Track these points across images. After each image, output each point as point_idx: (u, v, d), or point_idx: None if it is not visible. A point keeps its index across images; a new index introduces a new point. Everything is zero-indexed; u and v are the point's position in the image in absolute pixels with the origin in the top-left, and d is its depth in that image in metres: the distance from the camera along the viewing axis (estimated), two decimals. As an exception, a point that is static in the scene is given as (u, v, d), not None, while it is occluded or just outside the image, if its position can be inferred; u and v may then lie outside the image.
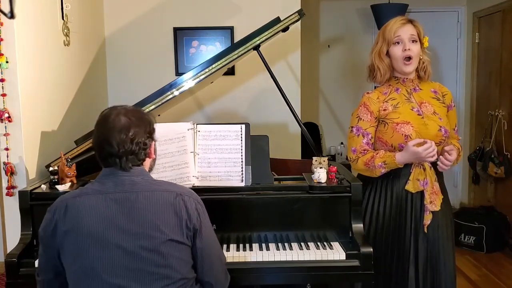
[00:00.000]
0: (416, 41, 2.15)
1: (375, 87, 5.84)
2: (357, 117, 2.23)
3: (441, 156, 2.10)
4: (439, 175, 2.21)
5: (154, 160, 1.73)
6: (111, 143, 1.55)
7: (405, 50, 2.13)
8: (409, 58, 2.14)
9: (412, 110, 2.15)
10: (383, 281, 2.21)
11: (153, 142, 1.67)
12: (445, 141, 2.19)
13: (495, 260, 3.98)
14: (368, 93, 2.25)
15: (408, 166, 2.15)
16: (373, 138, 2.22)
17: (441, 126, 2.14)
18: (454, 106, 2.26)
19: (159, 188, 1.59)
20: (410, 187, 2.15)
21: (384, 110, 2.17)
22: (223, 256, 1.75)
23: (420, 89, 2.21)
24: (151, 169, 1.71)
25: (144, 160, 1.63)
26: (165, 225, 1.53)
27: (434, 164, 2.16)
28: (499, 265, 3.88)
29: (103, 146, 1.57)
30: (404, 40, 2.14)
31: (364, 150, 2.20)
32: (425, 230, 2.14)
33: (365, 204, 2.25)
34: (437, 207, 2.13)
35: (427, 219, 2.13)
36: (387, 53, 2.19)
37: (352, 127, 2.24)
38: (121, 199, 1.54)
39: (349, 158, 2.27)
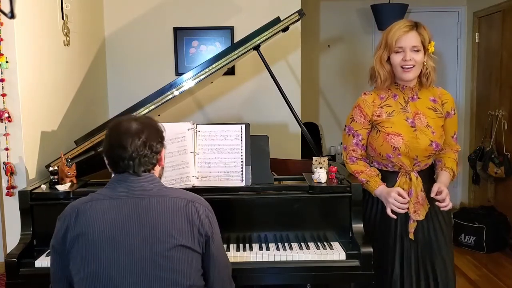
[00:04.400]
0: (419, 51, 2.07)
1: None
2: (351, 117, 2.24)
3: (437, 203, 2.07)
4: (433, 182, 2.15)
5: (163, 168, 1.74)
6: (125, 146, 1.55)
7: (404, 60, 2.05)
8: (410, 67, 2.07)
9: (406, 121, 2.12)
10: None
11: (163, 149, 1.68)
12: (435, 155, 2.18)
13: (495, 260, 3.97)
14: (365, 93, 2.21)
15: (394, 174, 2.15)
16: (364, 140, 2.21)
17: (432, 141, 2.10)
18: (455, 113, 2.20)
19: (170, 195, 1.59)
20: None
21: (378, 116, 2.15)
22: (230, 264, 1.75)
23: (418, 98, 2.15)
24: (160, 177, 1.71)
25: (155, 165, 1.64)
26: (176, 230, 1.53)
27: (422, 175, 2.15)
28: (499, 265, 3.88)
29: (115, 150, 1.57)
30: (406, 50, 2.06)
31: (353, 150, 2.22)
32: (411, 237, 2.14)
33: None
34: (420, 217, 2.12)
35: (411, 227, 2.13)
36: (388, 59, 2.12)
37: (345, 125, 2.27)
38: (133, 204, 1.54)
39: (342, 156, 2.28)
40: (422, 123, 2.12)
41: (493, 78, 4.53)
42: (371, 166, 2.22)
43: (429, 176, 2.21)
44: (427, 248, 2.16)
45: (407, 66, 2.06)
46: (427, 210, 2.14)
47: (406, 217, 2.14)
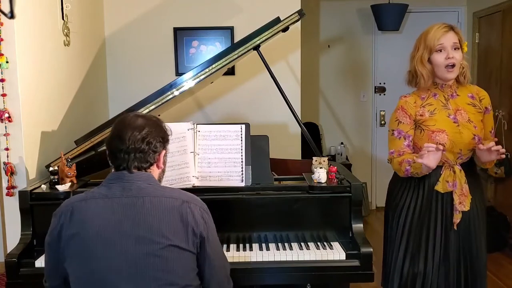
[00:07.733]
0: (458, 48, 2.16)
1: (375, 88, 5.82)
2: (396, 120, 2.23)
3: (493, 148, 2.09)
4: (473, 175, 2.23)
5: (163, 171, 1.73)
6: (123, 138, 1.56)
7: (448, 58, 2.13)
8: (452, 66, 2.14)
9: (448, 117, 2.17)
10: (413, 276, 2.21)
11: (164, 151, 1.67)
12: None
13: (495, 260, 3.97)
14: (405, 96, 2.25)
15: (438, 168, 2.16)
16: (412, 141, 2.22)
17: (475, 135, 2.16)
18: (491, 110, 2.28)
19: (165, 194, 1.58)
20: (440, 187, 2.17)
21: (421, 115, 2.19)
22: (227, 263, 1.75)
23: (458, 95, 2.23)
24: (159, 181, 1.70)
25: (152, 164, 1.62)
26: (169, 231, 1.52)
27: (464, 167, 2.18)
28: (499, 265, 3.88)
29: (114, 142, 1.58)
30: (447, 48, 2.14)
31: (403, 152, 2.20)
32: (455, 228, 2.17)
33: (398, 200, 2.26)
34: (466, 207, 2.16)
35: (457, 218, 2.16)
36: (429, 60, 2.18)
37: (393, 130, 2.24)
38: (127, 203, 1.53)
39: (387, 159, 2.28)
40: (463, 119, 2.18)
41: (493, 78, 4.53)
42: None
43: (469, 168, 2.23)
44: (468, 240, 2.19)
45: (450, 63, 2.14)
46: (470, 201, 2.18)
47: (451, 209, 2.16)
